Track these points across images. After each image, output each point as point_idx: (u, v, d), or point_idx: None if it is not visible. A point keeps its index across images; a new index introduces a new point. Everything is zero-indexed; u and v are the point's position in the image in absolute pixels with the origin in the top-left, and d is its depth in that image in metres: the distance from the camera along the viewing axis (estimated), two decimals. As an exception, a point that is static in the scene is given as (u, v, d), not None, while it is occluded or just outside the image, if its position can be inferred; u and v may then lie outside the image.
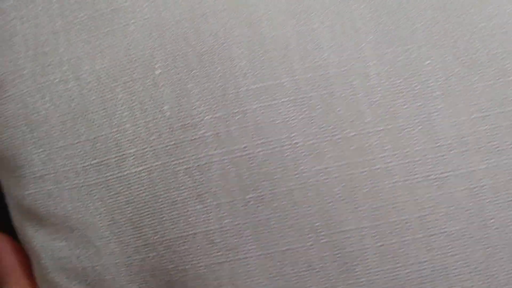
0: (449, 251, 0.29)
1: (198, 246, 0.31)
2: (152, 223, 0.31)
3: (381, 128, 0.29)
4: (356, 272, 0.29)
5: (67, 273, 0.34)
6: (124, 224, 0.32)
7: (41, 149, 0.33)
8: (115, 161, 0.32)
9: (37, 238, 0.36)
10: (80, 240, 0.33)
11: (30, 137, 0.33)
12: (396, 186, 0.29)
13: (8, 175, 0.37)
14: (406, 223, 0.29)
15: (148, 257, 0.32)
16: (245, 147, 0.30)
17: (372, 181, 0.29)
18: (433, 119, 0.29)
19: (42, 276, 0.36)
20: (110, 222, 0.32)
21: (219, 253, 0.31)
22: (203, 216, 0.31)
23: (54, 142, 0.33)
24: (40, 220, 0.35)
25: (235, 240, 0.30)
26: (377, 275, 0.29)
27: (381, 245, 0.29)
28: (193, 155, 0.31)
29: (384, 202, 0.29)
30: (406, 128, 0.29)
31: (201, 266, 0.31)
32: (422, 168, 0.29)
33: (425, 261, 0.29)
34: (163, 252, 0.31)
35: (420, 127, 0.29)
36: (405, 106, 0.29)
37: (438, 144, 0.29)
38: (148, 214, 0.32)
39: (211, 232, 0.31)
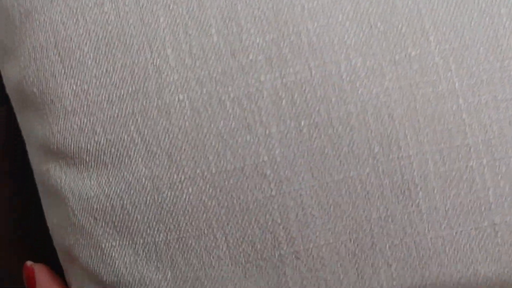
0: None
1: (247, 179, 0.29)
2: (193, 156, 0.30)
3: (446, 47, 0.28)
4: (417, 199, 0.28)
5: (95, 215, 0.32)
6: (161, 156, 0.30)
7: (73, 80, 0.31)
8: (154, 88, 0.30)
9: (64, 179, 0.34)
10: (112, 176, 0.31)
11: (61, 67, 0.31)
12: (461, 108, 0.28)
13: (32, 114, 0.35)
14: (471, 147, 0.28)
15: (185, 193, 0.30)
16: (298, 71, 0.28)
17: (435, 103, 0.28)
18: (500, 37, 0.28)
19: (67, 224, 0.34)
20: (145, 155, 0.30)
21: (269, 187, 0.29)
22: (253, 147, 0.29)
23: (87, 71, 0.31)
24: (69, 158, 0.33)
25: (287, 172, 0.29)
26: (439, 202, 0.28)
27: (444, 171, 0.28)
28: (242, 82, 0.29)
29: (447, 125, 0.28)
30: (471, 47, 0.28)
31: (249, 201, 0.29)
32: (489, 89, 0.28)
33: (490, 187, 0.28)
34: (204, 187, 0.30)
35: (486, 46, 0.28)
36: (471, 24, 0.28)
37: (506, 64, 0.28)
38: (189, 146, 0.30)
39: (261, 164, 0.29)
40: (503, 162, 0.28)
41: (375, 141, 0.28)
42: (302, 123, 0.28)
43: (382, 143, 0.28)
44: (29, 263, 0.37)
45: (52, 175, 0.35)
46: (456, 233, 0.28)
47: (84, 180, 0.33)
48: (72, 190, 0.34)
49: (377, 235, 0.28)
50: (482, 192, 0.28)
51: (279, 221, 0.29)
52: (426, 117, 0.28)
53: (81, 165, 0.33)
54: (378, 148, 0.28)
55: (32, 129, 0.35)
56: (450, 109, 0.28)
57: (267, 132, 0.29)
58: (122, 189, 0.31)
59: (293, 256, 0.29)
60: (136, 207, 0.31)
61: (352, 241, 0.28)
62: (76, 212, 0.33)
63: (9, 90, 0.38)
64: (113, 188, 0.32)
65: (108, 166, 0.31)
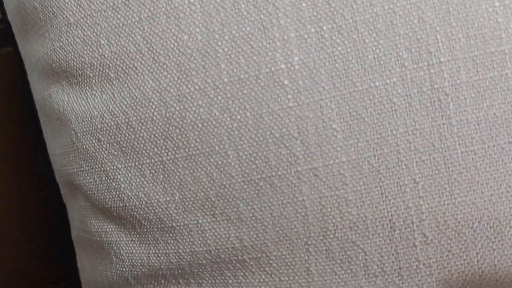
0: None
1: (262, 89, 0.27)
2: (203, 65, 0.27)
3: None
4: (447, 110, 0.26)
5: (99, 136, 0.30)
6: (169, 66, 0.28)
7: (76, -14, 0.29)
8: None
9: (67, 101, 0.32)
10: (117, 91, 0.29)
11: None
12: (497, 11, 0.25)
13: (34, 36, 0.32)
14: (507, 54, 0.25)
15: (195, 105, 0.28)
16: None
17: (469, 4, 0.25)
18: None
19: (70, 150, 0.32)
20: (153, 66, 0.28)
21: (287, 97, 0.27)
22: (269, 54, 0.27)
23: (91, -25, 0.28)
24: (72, 76, 0.31)
25: (306, 81, 0.26)
26: (471, 114, 0.26)
27: (477, 80, 0.26)
28: None
29: (482, 30, 0.25)
30: None
31: (264, 113, 0.27)
32: None
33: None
34: (216, 99, 0.27)
35: None
36: None
37: None
38: (199, 54, 0.27)
39: (278, 72, 0.27)
40: None
41: (403, 46, 0.26)
42: (324, 28, 0.26)
43: (411, 49, 0.26)
44: None
45: (54, 98, 0.33)
46: (488, 147, 0.26)
47: (87, 100, 0.31)
48: (75, 111, 0.32)
49: (404, 151, 0.26)
50: None
51: (296, 135, 0.27)
52: (459, 20, 0.25)
53: (84, 83, 0.31)
54: (406, 54, 0.26)
55: (34, 53, 0.33)
56: (485, 11, 0.25)
57: (285, 37, 0.26)
58: (128, 105, 0.29)
59: (311, 174, 0.27)
60: (143, 124, 0.29)
61: (376, 158, 0.26)
62: (79, 135, 0.31)
63: (10, 15, 0.36)
64: (118, 104, 0.29)
65: (113, 81, 0.29)
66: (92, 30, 0.29)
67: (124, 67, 0.29)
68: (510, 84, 0.25)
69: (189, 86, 0.28)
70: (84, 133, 0.31)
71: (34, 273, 0.46)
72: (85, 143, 0.31)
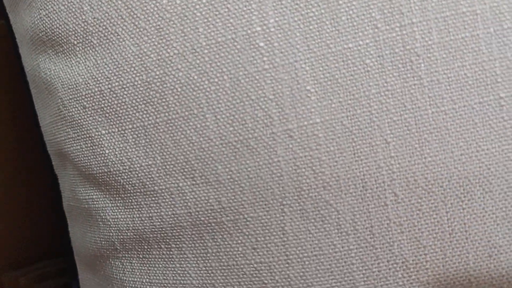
0: None
1: (238, 52, 0.27)
2: (182, 29, 0.28)
3: None
4: (419, 71, 0.26)
5: (84, 102, 0.31)
6: (149, 31, 0.28)
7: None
8: None
9: (53, 69, 0.33)
10: (100, 57, 0.30)
11: None
12: None
13: (22, 6, 0.33)
14: (478, 14, 0.26)
15: (174, 69, 0.28)
16: None
17: None
18: None
19: (58, 118, 0.33)
20: (134, 31, 0.29)
21: (262, 59, 0.27)
22: (245, 16, 0.27)
23: None
24: (58, 45, 0.32)
25: (282, 43, 0.27)
26: (442, 74, 0.26)
27: (449, 40, 0.26)
28: None
29: None
30: None
31: (240, 76, 0.27)
32: None
33: (497, 59, 0.26)
34: (194, 62, 0.28)
35: None
36: None
37: None
38: (178, 18, 0.28)
39: (254, 35, 0.27)
40: (511, 31, 0.26)
41: (376, 7, 0.26)
42: None
43: (383, 10, 0.26)
44: None
45: (42, 68, 0.34)
46: (459, 107, 0.26)
47: (72, 67, 0.31)
48: (61, 79, 0.32)
49: (376, 111, 0.26)
50: (488, 64, 0.26)
51: (271, 97, 0.27)
52: None
53: (69, 51, 0.31)
54: (379, 15, 0.26)
55: (22, 24, 0.34)
56: None
57: None
58: (111, 71, 0.30)
59: (286, 135, 0.27)
60: (125, 89, 0.30)
61: (349, 118, 0.27)
62: (65, 102, 0.32)
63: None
64: (101, 70, 0.30)
65: (96, 47, 0.30)
66: None
67: (106, 33, 0.29)
68: (481, 45, 0.26)
69: (168, 50, 0.28)
70: (70, 101, 0.32)
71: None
72: (71, 110, 0.32)
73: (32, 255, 0.48)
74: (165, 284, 0.31)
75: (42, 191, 0.49)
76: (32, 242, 0.48)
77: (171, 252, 0.30)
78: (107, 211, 0.32)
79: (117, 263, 0.33)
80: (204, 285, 0.30)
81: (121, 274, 0.33)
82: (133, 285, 0.32)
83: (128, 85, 0.29)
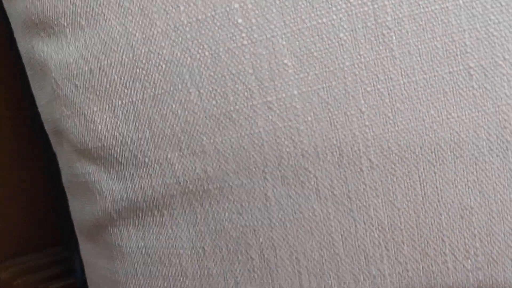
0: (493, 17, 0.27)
1: (218, 29, 0.29)
2: (164, 7, 0.29)
3: None
4: (390, 44, 0.27)
5: (75, 82, 0.32)
6: (133, 10, 0.30)
7: None
8: None
9: (46, 51, 0.34)
10: (89, 38, 0.31)
11: None
12: None
13: None
14: None
15: (158, 47, 0.30)
16: None
17: None
18: None
19: (53, 98, 0.35)
20: (119, 11, 0.30)
21: (241, 35, 0.28)
22: None
23: None
24: (49, 27, 0.33)
25: (259, 19, 0.28)
26: (413, 47, 0.27)
27: (419, 13, 0.27)
28: None
29: None
30: None
31: (221, 52, 0.29)
32: None
33: (466, 30, 0.27)
34: (177, 39, 0.29)
35: None
36: None
37: None
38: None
39: (233, 12, 0.28)
40: (479, 2, 0.27)
41: None
42: None
43: None
44: None
45: (36, 50, 0.35)
46: (429, 77, 0.27)
47: (63, 48, 0.33)
48: (53, 60, 0.34)
49: (350, 83, 0.28)
50: (458, 35, 0.27)
51: (251, 71, 0.28)
52: None
53: (60, 33, 0.33)
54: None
55: (15, 8, 0.35)
56: None
57: None
58: (99, 50, 0.31)
59: (266, 107, 0.29)
60: (113, 67, 0.31)
61: (324, 90, 0.28)
62: (58, 82, 0.34)
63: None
64: (90, 50, 0.32)
65: (84, 28, 0.31)
66: None
67: (93, 14, 0.31)
68: (451, 17, 0.27)
69: (152, 29, 0.29)
70: (63, 80, 0.33)
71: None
72: (64, 89, 0.33)
73: (15, 249, 0.49)
74: (159, 248, 0.33)
75: (26, 187, 0.50)
76: (15, 236, 0.49)
77: (163, 219, 0.32)
78: (103, 183, 0.34)
79: (115, 231, 0.35)
80: (194, 248, 0.31)
81: (119, 241, 0.35)
82: (130, 250, 0.34)
83: (116, 63, 0.31)
